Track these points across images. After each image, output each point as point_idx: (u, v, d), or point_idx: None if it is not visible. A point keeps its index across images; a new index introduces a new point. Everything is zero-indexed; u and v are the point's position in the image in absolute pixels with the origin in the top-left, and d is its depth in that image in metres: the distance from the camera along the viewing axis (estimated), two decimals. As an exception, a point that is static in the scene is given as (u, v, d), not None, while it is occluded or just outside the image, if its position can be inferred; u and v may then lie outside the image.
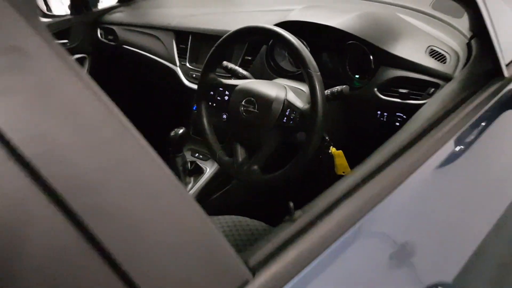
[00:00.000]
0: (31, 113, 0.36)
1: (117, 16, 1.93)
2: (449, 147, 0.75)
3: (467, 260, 0.71)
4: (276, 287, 0.48)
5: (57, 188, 0.35)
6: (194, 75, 1.57)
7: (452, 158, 0.74)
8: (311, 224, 0.56)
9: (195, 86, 1.48)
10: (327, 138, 1.13)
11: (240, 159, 1.15)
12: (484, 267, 0.75)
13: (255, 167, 1.11)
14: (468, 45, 1.11)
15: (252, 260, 0.49)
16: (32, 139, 0.35)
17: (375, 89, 1.16)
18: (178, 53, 1.64)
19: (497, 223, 0.78)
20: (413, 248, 0.64)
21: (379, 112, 1.17)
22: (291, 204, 0.58)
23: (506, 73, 0.98)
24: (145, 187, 0.41)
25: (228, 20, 1.56)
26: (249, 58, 1.43)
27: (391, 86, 1.14)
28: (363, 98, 1.19)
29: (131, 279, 0.38)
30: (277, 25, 1.19)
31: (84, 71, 0.43)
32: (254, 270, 0.48)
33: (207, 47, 1.34)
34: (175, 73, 1.62)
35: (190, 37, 1.60)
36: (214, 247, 0.45)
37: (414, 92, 1.10)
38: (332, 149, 1.14)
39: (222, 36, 1.18)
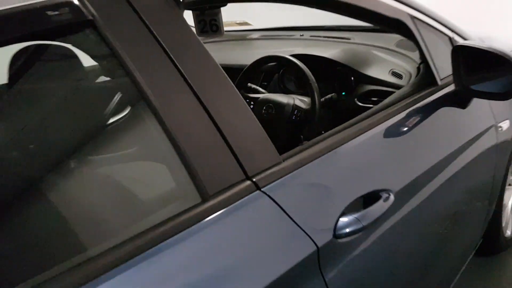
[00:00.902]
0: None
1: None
2: (394, 119, 1.21)
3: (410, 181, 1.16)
4: (295, 167, 0.94)
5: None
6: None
7: (396, 125, 1.21)
8: (312, 145, 1.02)
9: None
10: (323, 132, 1.60)
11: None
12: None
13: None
14: (418, 68, 1.60)
15: (283, 155, 0.95)
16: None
17: (355, 99, 1.65)
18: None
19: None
20: (364, 162, 1.09)
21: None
22: (302, 137, 1.05)
23: (439, 83, 1.46)
24: (234, 107, 0.89)
25: (247, 57, 2.07)
26: (265, 83, 1.93)
27: (366, 96, 1.63)
28: (347, 106, 1.67)
29: (225, 137, 0.84)
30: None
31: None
32: (284, 159, 0.94)
33: (232, 77, 1.84)
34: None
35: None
36: (263, 142, 0.92)
37: (382, 99, 1.59)
38: (327, 141, 1.61)
39: (244, 67, 1.68)
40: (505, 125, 1.74)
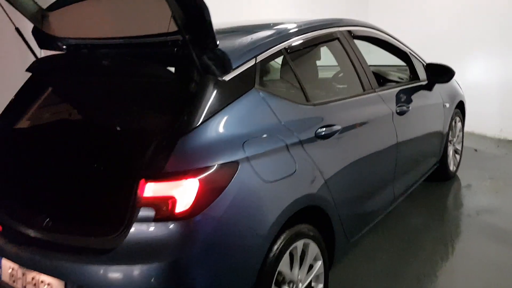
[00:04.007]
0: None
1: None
2: (401, 89, 3.06)
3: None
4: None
5: None
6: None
7: (401, 91, 3.04)
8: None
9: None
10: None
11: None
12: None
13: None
14: (410, 76, 3.50)
15: None
16: None
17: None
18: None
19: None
20: (388, 97, 2.94)
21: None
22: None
23: (420, 79, 3.36)
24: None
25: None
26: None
27: (388, 87, 3.50)
28: (379, 92, 3.54)
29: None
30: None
31: None
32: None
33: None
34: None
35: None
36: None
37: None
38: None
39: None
40: (447, 104, 3.66)
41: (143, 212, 1.50)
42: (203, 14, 1.62)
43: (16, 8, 2.12)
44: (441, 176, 3.99)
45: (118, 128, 2.05)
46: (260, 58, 1.95)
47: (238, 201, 1.61)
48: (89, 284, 1.58)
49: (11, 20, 2.13)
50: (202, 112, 1.63)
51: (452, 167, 4.06)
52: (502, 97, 5.51)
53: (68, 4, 2.06)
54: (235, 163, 1.63)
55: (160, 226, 1.50)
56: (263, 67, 2.01)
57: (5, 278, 1.89)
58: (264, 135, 1.79)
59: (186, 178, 1.51)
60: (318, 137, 2.04)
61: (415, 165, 3.21)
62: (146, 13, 1.85)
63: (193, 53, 1.66)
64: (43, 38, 2.28)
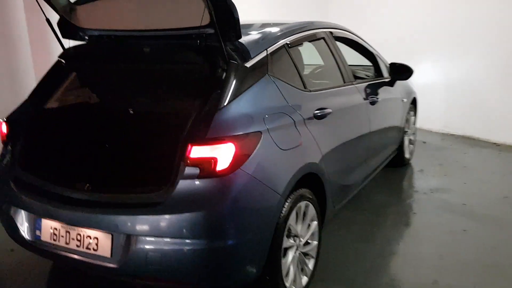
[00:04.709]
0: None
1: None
2: (368, 84, 3.54)
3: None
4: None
5: None
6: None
7: (368, 86, 3.51)
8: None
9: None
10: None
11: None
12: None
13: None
14: (375, 74, 4.00)
15: None
16: None
17: (352, 84, 4.00)
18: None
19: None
20: (360, 88, 3.41)
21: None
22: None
23: (384, 76, 3.86)
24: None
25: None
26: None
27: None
28: (349, 88, 4.00)
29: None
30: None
31: None
32: None
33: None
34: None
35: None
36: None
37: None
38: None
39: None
40: (404, 100, 4.19)
41: (189, 171, 1.82)
42: (232, 11, 1.96)
43: (48, 2, 2.35)
44: (398, 162, 4.52)
45: (131, 112, 2.33)
46: (270, 50, 2.32)
47: (262, 163, 1.96)
48: (137, 232, 1.86)
49: (43, 12, 2.36)
50: (232, 92, 1.97)
51: (407, 155, 4.62)
52: (446, 97, 6.22)
53: (96, -1, 2.33)
54: (259, 133, 1.98)
55: (203, 182, 1.82)
56: (271, 58, 2.37)
57: (45, 237, 2.12)
58: (278, 112, 2.16)
59: (225, 142, 1.85)
60: (316, 117, 2.44)
61: (381, 149, 3.70)
62: (176, 9, 2.17)
63: (222, 44, 1.99)
64: (68, 29, 2.52)
